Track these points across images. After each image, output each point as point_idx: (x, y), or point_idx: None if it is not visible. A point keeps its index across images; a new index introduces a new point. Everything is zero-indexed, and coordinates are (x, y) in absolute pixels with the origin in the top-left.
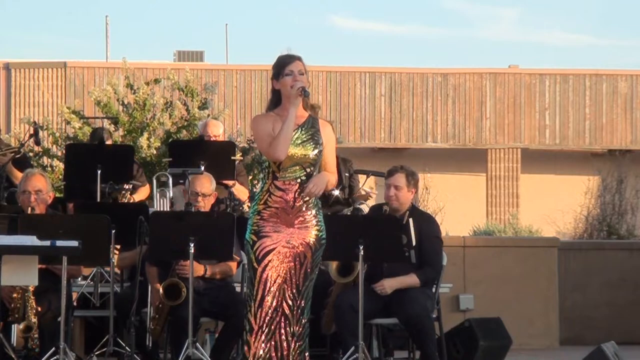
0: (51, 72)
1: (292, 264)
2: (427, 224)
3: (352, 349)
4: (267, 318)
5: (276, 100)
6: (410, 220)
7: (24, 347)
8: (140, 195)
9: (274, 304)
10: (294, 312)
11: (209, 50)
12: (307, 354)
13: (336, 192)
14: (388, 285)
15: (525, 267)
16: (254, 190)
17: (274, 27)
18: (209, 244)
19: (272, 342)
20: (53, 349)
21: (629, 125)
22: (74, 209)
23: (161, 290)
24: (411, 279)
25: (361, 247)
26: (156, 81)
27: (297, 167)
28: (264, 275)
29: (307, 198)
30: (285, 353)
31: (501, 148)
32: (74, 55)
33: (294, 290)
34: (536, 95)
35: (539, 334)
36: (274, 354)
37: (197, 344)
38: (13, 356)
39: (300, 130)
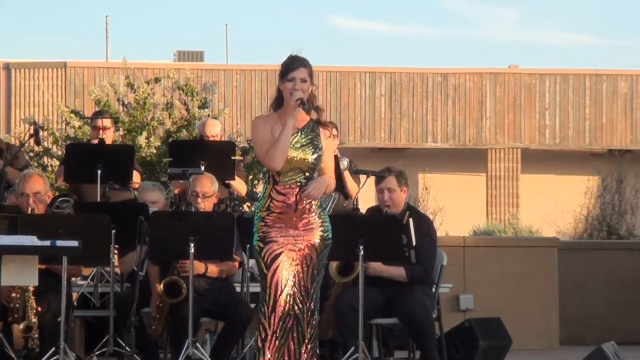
0: (51, 72)
1: (300, 267)
2: (420, 222)
3: (352, 349)
4: (281, 323)
5: (280, 101)
6: (411, 220)
7: (24, 347)
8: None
9: (286, 308)
10: (305, 315)
11: (209, 50)
12: (318, 354)
13: (346, 163)
14: (372, 267)
15: (525, 267)
16: (254, 190)
17: (274, 27)
18: (209, 244)
19: (285, 346)
20: (53, 349)
21: (629, 125)
22: (74, 209)
23: (161, 287)
24: (398, 271)
25: (361, 247)
26: (156, 80)
27: (296, 171)
28: (274, 280)
29: (310, 200)
30: (297, 356)
31: (501, 148)
32: (74, 55)
33: (303, 293)
34: (536, 95)
35: (539, 334)
36: (286, 358)
37: (197, 344)
38: (13, 356)
39: (300, 134)
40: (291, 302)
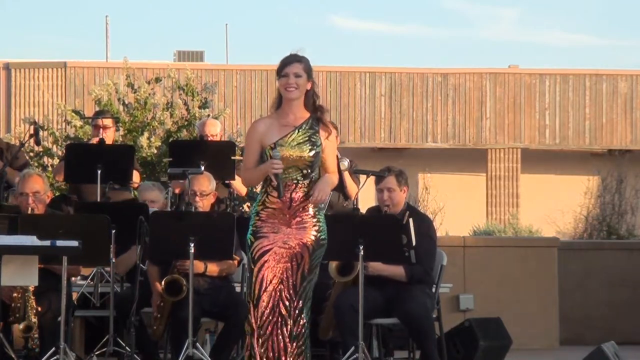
0: (51, 72)
1: (289, 264)
2: (420, 222)
3: (352, 349)
4: (264, 318)
5: (279, 100)
6: (411, 220)
7: (24, 347)
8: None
9: (270, 304)
10: (291, 313)
11: (209, 50)
12: (309, 354)
13: (346, 163)
14: (372, 266)
15: (525, 267)
16: (254, 190)
17: (274, 27)
18: (209, 244)
19: (269, 343)
20: (53, 349)
21: (629, 125)
22: (74, 209)
23: (163, 284)
24: (397, 270)
25: (361, 247)
26: (157, 80)
27: (293, 169)
28: (260, 275)
29: (304, 198)
30: (282, 353)
31: (501, 148)
32: (74, 55)
33: (291, 291)
34: (536, 95)
35: (539, 334)
36: (270, 354)
37: (197, 344)
38: (13, 356)
39: (297, 131)
40: (276, 299)
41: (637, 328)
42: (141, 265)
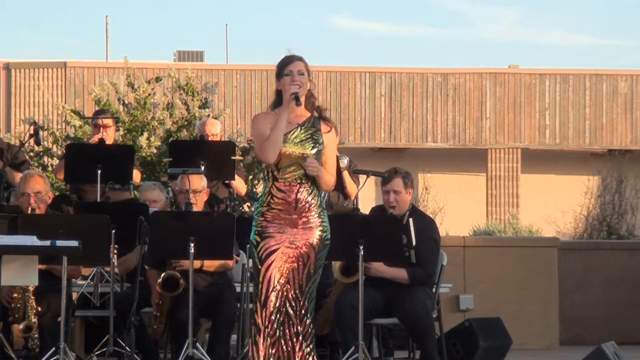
0: (51, 72)
1: (295, 264)
2: (424, 225)
3: (352, 348)
4: (272, 318)
5: (279, 101)
6: (411, 220)
7: (24, 347)
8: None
9: (278, 304)
10: (297, 313)
11: (209, 50)
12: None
13: (346, 161)
14: (375, 268)
15: (525, 267)
16: (255, 190)
17: (274, 27)
18: (209, 244)
19: (279, 344)
20: (53, 349)
21: (629, 125)
22: (74, 209)
23: (160, 281)
24: (400, 273)
25: (361, 247)
26: (157, 79)
27: (296, 167)
28: (267, 275)
29: (309, 199)
30: (292, 353)
31: (501, 148)
32: (74, 55)
33: (297, 291)
34: (536, 95)
35: (539, 334)
36: (280, 355)
37: (197, 343)
38: (13, 356)
39: (299, 128)
40: (283, 299)
41: (637, 328)
42: (140, 266)
